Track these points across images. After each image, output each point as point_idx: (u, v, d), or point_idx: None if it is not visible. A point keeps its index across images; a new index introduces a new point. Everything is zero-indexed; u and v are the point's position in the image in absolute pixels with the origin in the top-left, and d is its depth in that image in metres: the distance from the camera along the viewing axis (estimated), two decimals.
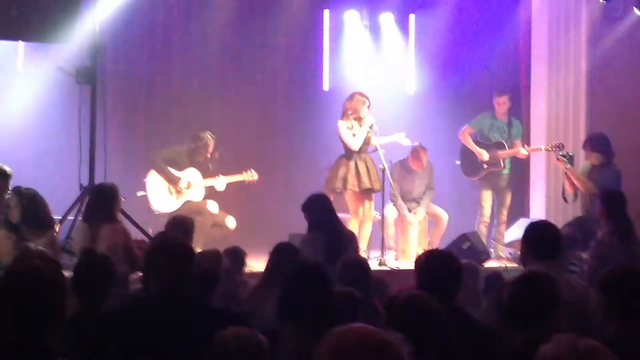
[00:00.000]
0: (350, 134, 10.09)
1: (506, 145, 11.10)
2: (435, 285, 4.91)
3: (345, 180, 10.12)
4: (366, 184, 10.09)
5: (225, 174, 10.53)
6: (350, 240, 7.96)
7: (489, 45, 12.12)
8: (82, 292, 5.25)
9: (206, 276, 5.57)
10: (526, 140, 11.45)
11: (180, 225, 7.43)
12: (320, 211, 7.87)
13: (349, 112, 10.11)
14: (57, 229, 8.22)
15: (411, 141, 10.62)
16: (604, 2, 11.51)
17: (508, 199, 11.27)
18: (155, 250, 5.13)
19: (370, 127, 10.09)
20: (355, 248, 8.14)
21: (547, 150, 11.00)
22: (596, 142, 10.15)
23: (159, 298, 4.87)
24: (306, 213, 7.87)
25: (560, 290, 4.78)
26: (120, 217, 8.08)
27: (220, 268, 6.00)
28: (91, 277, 5.31)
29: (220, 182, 10.44)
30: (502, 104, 11.17)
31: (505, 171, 11.19)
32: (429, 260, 5.16)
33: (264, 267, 6.48)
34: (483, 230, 11.12)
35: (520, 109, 12.05)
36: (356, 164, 10.13)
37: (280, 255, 6.36)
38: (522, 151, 11.09)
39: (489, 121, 11.21)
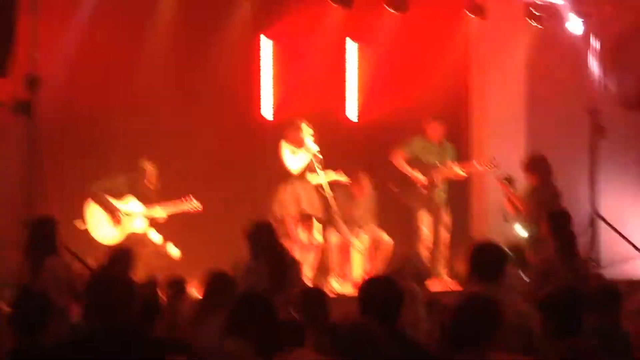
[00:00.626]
0: (290, 155, 10.13)
1: (441, 166, 11.12)
2: (376, 310, 4.92)
3: (282, 205, 10.15)
4: (306, 208, 10.10)
5: (167, 202, 10.45)
6: (293, 267, 7.93)
7: (428, 70, 12.20)
8: (19, 328, 5.18)
9: (146, 306, 5.52)
10: (463, 162, 11.49)
11: (121, 257, 7.36)
12: (264, 239, 7.85)
13: (292, 139, 10.16)
14: None
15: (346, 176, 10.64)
16: (540, 26, 11.70)
17: (446, 219, 11.29)
18: (94, 286, 5.09)
19: (314, 155, 10.12)
20: (300, 275, 8.12)
21: (481, 166, 11.07)
22: (535, 164, 10.30)
23: (100, 330, 4.82)
24: (250, 241, 7.84)
25: (502, 311, 4.80)
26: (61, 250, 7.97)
27: (158, 298, 5.95)
28: (29, 313, 5.24)
29: (160, 213, 10.37)
30: (434, 128, 11.22)
31: (441, 192, 11.21)
32: (370, 287, 5.17)
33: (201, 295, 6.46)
34: (424, 251, 11.13)
35: (459, 134, 12.14)
36: (295, 190, 10.15)
37: (215, 283, 6.34)
38: (458, 170, 11.13)
39: (420, 144, 11.23)
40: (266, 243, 7.82)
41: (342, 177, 10.54)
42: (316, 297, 6.13)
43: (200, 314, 6.16)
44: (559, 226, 7.80)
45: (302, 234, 10.26)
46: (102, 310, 4.89)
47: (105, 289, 4.95)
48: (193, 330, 5.98)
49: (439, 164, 11.11)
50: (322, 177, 10.14)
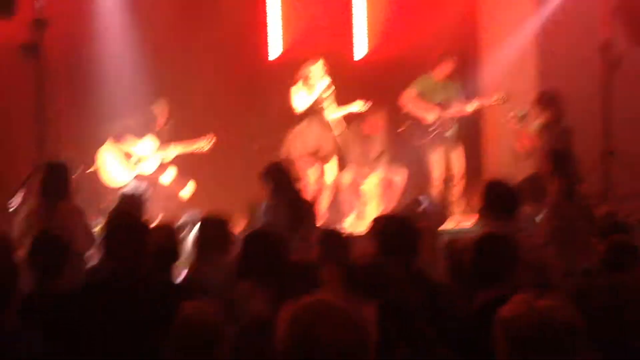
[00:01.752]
0: (299, 97, 10.11)
1: (449, 104, 11.03)
2: (393, 249, 4.92)
3: (289, 144, 10.16)
4: (312, 147, 10.09)
5: (178, 142, 10.45)
6: (310, 207, 7.94)
7: (436, 6, 12.08)
8: (36, 271, 5.20)
9: (162, 250, 5.51)
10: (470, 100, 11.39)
11: (131, 200, 7.36)
12: (281, 179, 7.87)
13: (304, 78, 10.13)
14: None
15: (363, 106, 10.56)
16: None
17: (458, 159, 11.23)
18: (109, 228, 5.10)
19: (324, 90, 10.09)
20: (315, 216, 8.13)
21: (492, 104, 10.99)
22: (546, 101, 10.23)
23: (116, 274, 4.83)
24: (267, 181, 7.84)
25: (518, 249, 4.80)
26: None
27: (176, 242, 5.94)
28: (45, 256, 5.26)
29: (171, 152, 10.36)
30: (445, 66, 11.09)
31: (450, 131, 11.13)
32: (386, 225, 5.17)
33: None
34: (436, 193, 11.10)
35: (467, 70, 12.03)
36: (306, 130, 10.14)
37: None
38: (468, 108, 11.04)
39: (429, 83, 11.13)
40: (283, 183, 7.83)
41: (354, 107, 10.43)
42: (337, 237, 6.14)
43: (199, 258, 6.12)
44: (560, 165, 7.73)
45: (314, 174, 10.25)
46: (117, 255, 4.90)
47: (120, 234, 4.96)
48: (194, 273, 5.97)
49: (450, 103, 11.02)
50: (332, 115, 10.08)
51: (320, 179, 10.32)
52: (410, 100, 11.07)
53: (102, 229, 5.61)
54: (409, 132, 11.17)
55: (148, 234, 5.02)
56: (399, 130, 11.17)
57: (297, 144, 10.17)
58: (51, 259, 5.27)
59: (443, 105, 11.01)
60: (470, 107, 11.04)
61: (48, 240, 5.45)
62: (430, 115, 10.97)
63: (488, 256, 4.56)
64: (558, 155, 7.90)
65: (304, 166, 10.22)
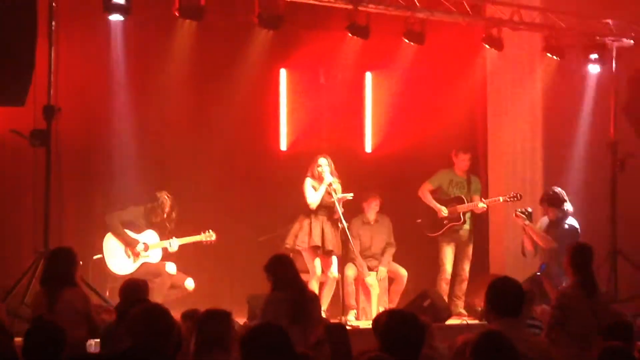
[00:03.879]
0: (313, 191, 10.15)
1: (465, 200, 11.12)
2: (397, 346, 4.85)
3: (296, 237, 10.14)
4: (315, 241, 10.08)
5: (183, 234, 10.43)
6: (313, 300, 7.88)
7: (445, 101, 12.18)
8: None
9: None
10: (485, 196, 11.45)
11: (135, 289, 7.30)
12: (285, 271, 7.81)
13: (314, 172, 10.17)
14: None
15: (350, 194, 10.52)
16: (557, 58, 11.67)
17: (469, 256, 11.26)
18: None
19: (329, 185, 10.10)
20: (318, 308, 8.06)
21: (505, 201, 11.02)
22: (553, 198, 10.23)
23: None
24: (270, 273, 7.79)
25: (518, 349, 4.74)
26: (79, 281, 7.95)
27: (178, 331, 5.85)
28: (42, 344, 5.19)
29: (173, 244, 10.34)
30: (463, 160, 11.22)
31: (466, 227, 11.19)
32: (390, 321, 5.09)
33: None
34: (444, 287, 11.09)
35: (478, 166, 12.11)
36: (310, 223, 10.14)
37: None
38: (480, 204, 11.11)
39: (448, 177, 11.24)
40: (286, 276, 7.77)
41: (349, 195, 10.42)
42: (339, 332, 6.06)
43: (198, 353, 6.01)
44: (581, 260, 7.68)
45: (319, 267, 10.21)
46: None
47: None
48: None
49: (464, 198, 11.09)
50: (339, 208, 10.09)
51: (325, 272, 10.27)
52: (426, 193, 11.13)
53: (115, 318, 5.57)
54: (424, 224, 11.20)
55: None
56: (417, 221, 11.20)
57: (303, 237, 10.15)
58: (46, 347, 5.20)
59: (459, 200, 11.06)
60: (484, 204, 11.09)
61: (45, 328, 5.39)
62: (444, 211, 11.01)
63: (487, 355, 4.50)
64: (577, 249, 7.81)
65: (309, 258, 10.20)
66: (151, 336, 4.83)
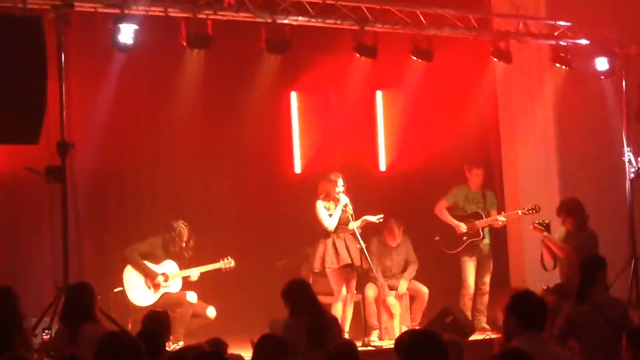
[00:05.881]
0: (327, 213, 10.12)
1: (483, 215, 11.12)
2: None
3: (323, 259, 10.12)
4: (345, 259, 10.07)
5: (201, 262, 10.44)
6: (332, 324, 7.86)
7: (456, 117, 12.18)
8: None
9: None
10: (501, 210, 11.43)
11: (157, 320, 7.31)
12: (301, 296, 7.81)
13: (326, 193, 10.15)
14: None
15: (380, 216, 10.51)
16: (567, 68, 11.66)
17: (489, 270, 11.27)
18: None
19: (345, 206, 10.09)
20: (338, 332, 8.05)
21: (523, 214, 11.01)
22: (569, 208, 10.19)
23: None
24: (287, 299, 7.80)
25: None
26: (99, 315, 7.96)
27: None
28: None
29: (194, 273, 10.36)
30: (476, 176, 11.24)
31: (485, 241, 11.19)
32: (412, 341, 5.07)
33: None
34: (467, 303, 11.08)
35: (493, 180, 12.09)
36: (334, 243, 10.13)
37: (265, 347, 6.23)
38: (500, 218, 11.11)
39: (463, 193, 11.25)
40: (302, 301, 7.77)
41: (372, 218, 10.41)
42: (347, 352, 6.05)
43: None
44: (593, 273, 7.63)
45: (342, 288, 10.19)
46: None
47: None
48: None
49: (482, 213, 11.09)
50: (356, 229, 10.08)
51: (348, 293, 10.25)
52: (443, 211, 11.13)
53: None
54: (443, 241, 11.20)
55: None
56: (435, 238, 11.20)
57: (331, 258, 10.13)
58: None
59: (476, 216, 11.07)
60: (503, 217, 11.08)
61: None
62: (462, 227, 11.01)
63: None
64: (588, 262, 7.78)
65: (337, 280, 10.18)
66: None
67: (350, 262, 10.10)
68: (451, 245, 11.18)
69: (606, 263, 7.78)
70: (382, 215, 10.44)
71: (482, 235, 11.12)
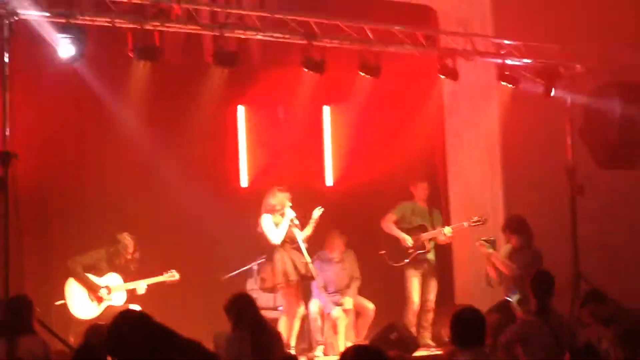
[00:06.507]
0: (274, 228, 10.08)
1: (428, 227, 11.16)
2: None
3: (286, 274, 10.08)
4: (292, 275, 10.07)
5: (145, 275, 10.35)
6: (276, 339, 7.84)
7: (403, 133, 12.22)
8: None
9: None
10: (447, 225, 11.48)
11: (100, 333, 7.22)
12: (244, 310, 7.78)
13: (270, 208, 10.11)
14: None
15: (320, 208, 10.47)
16: (512, 86, 11.75)
17: (434, 286, 11.31)
18: None
19: (291, 220, 10.07)
20: (281, 347, 8.02)
21: (469, 226, 11.06)
22: (515, 226, 10.29)
23: None
24: (229, 313, 7.77)
25: None
26: (39, 328, 7.85)
27: None
28: None
29: (141, 286, 10.27)
30: (422, 189, 11.32)
31: (431, 256, 11.24)
32: (357, 357, 5.05)
33: None
34: (412, 319, 11.10)
35: (438, 196, 12.15)
36: (282, 257, 10.12)
37: None
38: (446, 229, 11.15)
39: (410, 207, 11.32)
40: (246, 314, 7.74)
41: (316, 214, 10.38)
42: None
43: None
44: (540, 288, 7.71)
45: (290, 302, 10.16)
46: None
47: None
48: None
49: (427, 226, 11.14)
50: (302, 243, 10.07)
51: (290, 308, 10.22)
52: (390, 224, 11.16)
53: None
54: (389, 255, 11.21)
55: None
56: (381, 252, 11.21)
57: (278, 275, 10.10)
58: None
59: (422, 229, 11.11)
60: (449, 230, 11.13)
61: None
62: (408, 240, 11.05)
63: None
64: (537, 277, 7.83)
65: (286, 294, 10.16)
66: None
67: (296, 277, 10.08)
68: (397, 258, 11.20)
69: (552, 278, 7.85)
70: (321, 207, 10.37)
71: (427, 248, 11.15)
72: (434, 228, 11.21)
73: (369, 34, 10.90)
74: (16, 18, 8.74)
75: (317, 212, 10.34)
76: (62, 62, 9.64)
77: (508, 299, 9.70)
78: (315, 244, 10.74)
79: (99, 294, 10.14)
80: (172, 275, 10.40)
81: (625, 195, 12.48)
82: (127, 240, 10.33)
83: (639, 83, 12.03)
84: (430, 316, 11.25)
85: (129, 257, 10.36)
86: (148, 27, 9.64)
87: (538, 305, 7.57)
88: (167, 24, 9.77)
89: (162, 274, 10.39)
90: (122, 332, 4.67)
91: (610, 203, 12.48)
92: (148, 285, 10.33)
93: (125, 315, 4.88)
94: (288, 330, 10.00)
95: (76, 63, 9.67)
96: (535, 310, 7.61)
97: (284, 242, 10.17)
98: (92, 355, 5.57)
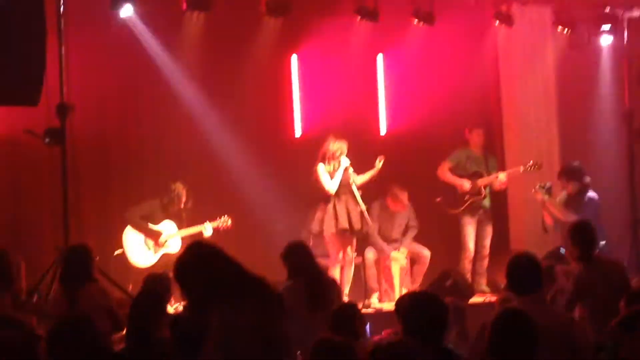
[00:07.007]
0: (328, 177, 10.11)
1: (484, 174, 11.10)
2: (420, 328, 4.85)
3: (322, 222, 10.13)
4: (343, 224, 10.07)
5: (200, 222, 10.44)
6: (331, 286, 7.87)
7: (458, 80, 12.11)
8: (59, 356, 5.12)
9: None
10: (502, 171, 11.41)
11: (159, 282, 7.35)
12: (300, 258, 7.81)
13: (328, 156, 10.13)
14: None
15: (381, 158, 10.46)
16: (568, 31, 11.59)
17: (489, 233, 11.26)
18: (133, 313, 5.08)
19: (346, 169, 10.09)
20: (338, 294, 8.06)
21: (525, 170, 10.96)
22: (571, 172, 10.21)
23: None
24: (285, 261, 7.80)
25: (540, 324, 4.71)
26: (99, 276, 7.99)
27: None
28: (70, 340, 5.17)
29: (207, 228, 10.34)
30: (478, 136, 11.24)
31: (486, 202, 11.18)
32: (412, 304, 5.08)
33: None
34: (467, 265, 11.09)
35: (494, 142, 12.06)
36: (334, 206, 10.13)
37: None
38: (501, 176, 11.09)
39: (465, 154, 11.25)
40: (301, 263, 7.77)
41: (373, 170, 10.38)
42: (350, 313, 6.07)
43: None
44: (580, 237, 7.55)
45: (339, 251, 10.20)
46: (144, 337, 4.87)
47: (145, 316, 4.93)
48: None
49: (484, 173, 11.09)
50: (357, 191, 10.08)
51: (346, 256, 10.27)
52: (446, 171, 11.13)
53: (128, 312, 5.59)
54: (445, 202, 11.19)
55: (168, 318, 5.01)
56: (437, 200, 11.18)
57: (330, 221, 10.15)
58: (77, 343, 5.17)
59: (478, 175, 11.06)
60: (504, 175, 11.07)
61: (71, 324, 5.38)
62: (466, 184, 11.01)
63: (505, 335, 4.50)
64: (577, 226, 7.71)
65: (328, 242, 10.20)
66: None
67: (347, 227, 10.11)
68: (453, 205, 11.17)
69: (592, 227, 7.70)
70: (382, 157, 10.38)
71: (483, 193, 11.11)
72: (489, 174, 11.15)
73: None
74: None
75: (379, 162, 10.33)
76: (117, 14, 9.71)
77: (562, 248, 9.64)
78: (371, 193, 10.73)
79: (160, 240, 10.27)
80: (225, 221, 10.47)
81: None
82: (180, 189, 10.43)
83: None
84: (485, 263, 11.23)
85: (182, 206, 10.47)
86: None
87: (586, 252, 7.39)
88: None
89: (214, 220, 10.45)
90: (192, 261, 4.64)
91: None
92: (200, 233, 10.40)
93: (198, 245, 4.87)
94: (340, 278, 10.04)
95: (131, 15, 9.72)
96: (584, 257, 7.44)
97: (338, 190, 10.18)
98: (150, 302, 5.63)
